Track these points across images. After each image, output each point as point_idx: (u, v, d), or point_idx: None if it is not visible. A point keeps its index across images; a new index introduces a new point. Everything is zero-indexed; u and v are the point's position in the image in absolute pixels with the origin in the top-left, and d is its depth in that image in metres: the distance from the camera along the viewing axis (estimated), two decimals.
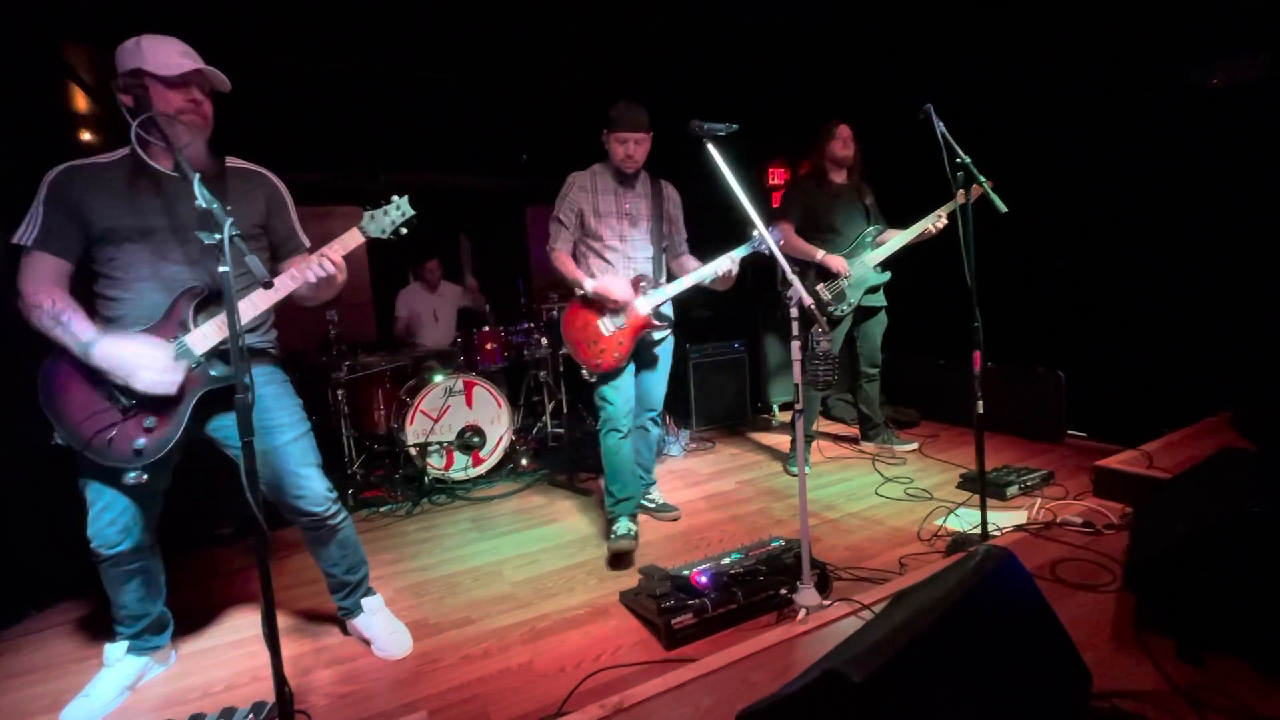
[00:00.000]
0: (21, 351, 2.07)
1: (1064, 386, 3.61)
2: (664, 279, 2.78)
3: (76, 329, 1.63)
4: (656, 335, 2.77)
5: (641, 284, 2.64)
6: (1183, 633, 1.53)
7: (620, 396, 2.66)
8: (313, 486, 1.92)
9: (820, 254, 3.32)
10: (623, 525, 2.64)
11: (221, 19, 3.18)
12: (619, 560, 2.52)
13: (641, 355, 2.79)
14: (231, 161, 1.86)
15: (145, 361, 1.62)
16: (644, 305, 2.63)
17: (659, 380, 2.88)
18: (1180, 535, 1.59)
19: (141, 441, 1.67)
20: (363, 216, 1.73)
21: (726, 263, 2.54)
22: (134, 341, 1.64)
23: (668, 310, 2.78)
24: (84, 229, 1.68)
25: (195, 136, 1.70)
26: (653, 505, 3.07)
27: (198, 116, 1.70)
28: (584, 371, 2.64)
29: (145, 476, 1.70)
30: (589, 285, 2.59)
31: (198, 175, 1.38)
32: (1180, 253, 3.23)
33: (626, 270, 2.67)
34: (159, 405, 1.69)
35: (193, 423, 1.76)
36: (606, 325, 2.62)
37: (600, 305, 2.62)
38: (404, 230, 1.79)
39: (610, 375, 2.65)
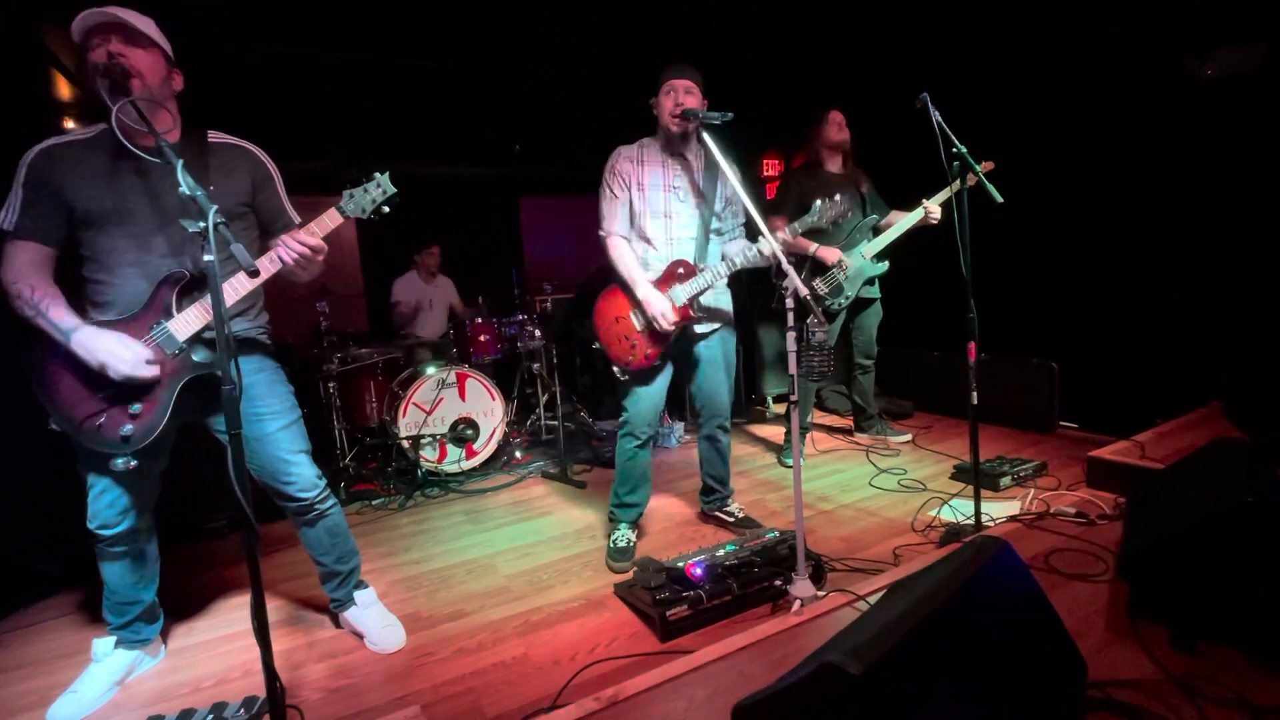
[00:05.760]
0: (5, 348, 2.02)
1: (1057, 377, 3.62)
2: (707, 264, 2.41)
3: (55, 316, 1.60)
4: (699, 330, 2.47)
5: (679, 270, 2.37)
6: (1176, 621, 1.54)
7: (644, 403, 2.46)
8: (302, 472, 1.92)
9: (814, 247, 3.28)
10: (622, 535, 2.55)
11: (208, 5, 3.12)
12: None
13: (687, 355, 2.53)
14: (214, 136, 1.80)
15: (120, 353, 1.60)
16: (679, 295, 2.33)
17: (716, 381, 2.55)
18: (1173, 525, 1.60)
19: (129, 428, 1.66)
20: (342, 196, 1.70)
21: (787, 235, 2.25)
22: (108, 335, 1.61)
23: (713, 301, 2.49)
24: (67, 212, 1.64)
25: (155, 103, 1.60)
26: (731, 519, 2.77)
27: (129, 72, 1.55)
28: (615, 369, 2.42)
29: (134, 463, 1.68)
30: (640, 291, 2.33)
31: (181, 162, 1.35)
32: (1173, 244, 3.23)
33: (668, 252, 2.41)
34: (144, 392, 1.67)
35: (188, 409, 1.75)
36: (638, 318, 2.38)
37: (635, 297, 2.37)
38: (385, 209, 1.73)
39: (641, 376, 2.43)
